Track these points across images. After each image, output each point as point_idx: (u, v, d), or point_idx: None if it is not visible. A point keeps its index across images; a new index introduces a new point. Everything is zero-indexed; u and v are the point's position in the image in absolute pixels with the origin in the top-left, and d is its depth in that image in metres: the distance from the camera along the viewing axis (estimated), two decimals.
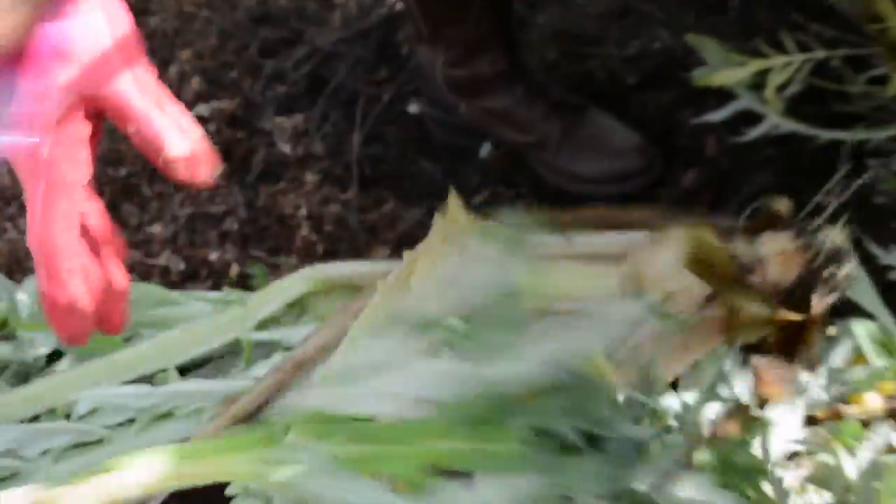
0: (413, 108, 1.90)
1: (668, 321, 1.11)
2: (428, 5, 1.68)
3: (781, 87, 1.52)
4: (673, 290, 1.13)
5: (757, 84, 1.55)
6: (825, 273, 1.17)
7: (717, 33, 1.75)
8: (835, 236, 1.17)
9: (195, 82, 2.04)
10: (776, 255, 1.15)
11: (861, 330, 1.40)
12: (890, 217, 1.62)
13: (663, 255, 1.15)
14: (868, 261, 1.51)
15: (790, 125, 1.54)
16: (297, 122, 1.94)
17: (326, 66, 2.02)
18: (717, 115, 1.73)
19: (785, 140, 1.54)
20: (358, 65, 2.00)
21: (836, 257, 1.18)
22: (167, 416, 1.26)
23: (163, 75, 2.00)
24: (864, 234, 1.53)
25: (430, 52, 1.74)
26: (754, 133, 1.59)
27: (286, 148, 1.91)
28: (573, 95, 1.77)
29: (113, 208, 1.88)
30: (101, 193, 0.93)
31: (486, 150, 1.81)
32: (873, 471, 1.09)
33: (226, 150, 1.91)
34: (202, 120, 1.94)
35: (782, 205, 1.20)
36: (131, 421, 1.27)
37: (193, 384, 1.28)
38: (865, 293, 1.42)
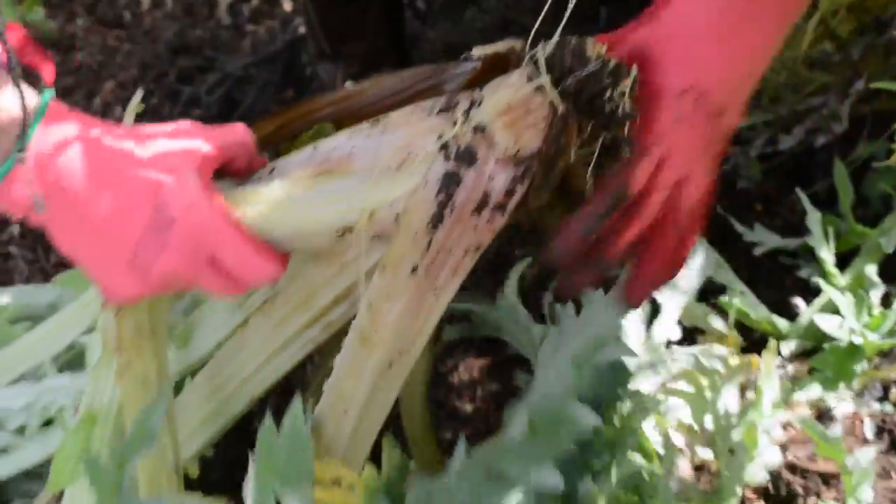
0: None
1: None
2: (329, 23, 1.64)
3: None
4: None
5: None
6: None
7: None
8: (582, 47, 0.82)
9: (118, 111, 1.95)
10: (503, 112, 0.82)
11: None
12: (753, 199, 1.58)
13: None
14: (733, 240, 1.50)
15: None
16: None
17: (238, 89, 1.94)
18: None
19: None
20: (266, 87, 1.93)
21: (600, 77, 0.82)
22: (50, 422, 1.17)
23: (88, 107, 1.90)
24: (730, 215, 1.51)
25: (331, 68, 1.70)
26: None
27: None
28: None
29: None
30: None
31: None
32: None
33: None
34: None
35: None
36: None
37: (67, 378, 1.18)
38: (727, 274, 1.37)
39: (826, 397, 1.27)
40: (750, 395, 1.25)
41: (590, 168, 0.85)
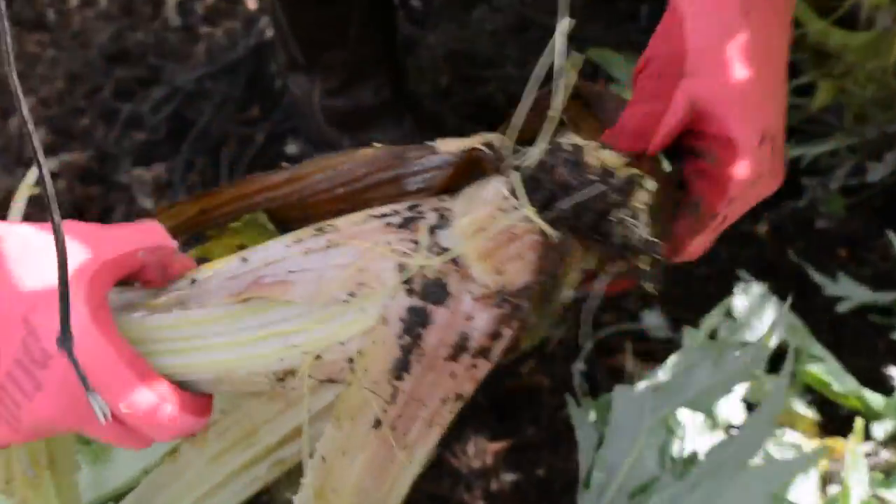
0: (291, 148, 1.84)
1: None
2: (302, 27, 1.64)
3: None
4: None
5: None
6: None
7: (630, 44, 1.71)
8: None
9: (40, 134, 1.94)
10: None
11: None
12: (836, 243, 1.58)
13: None
14: (811, 294, 1.50)
15: None
16: (159, 172, 1.85)
17: (190, 106, 1.95)
18: None
19: None
20: (225, 103, 1.93)
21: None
22: None
23: (1, 130, 1.90)
24: (807, 262, 1.51)
25: (305, 81, 1.70)
26: None
27: (147, 203, 1.82)
28: (470, 125, 1.71)
29: None
30: None
31: None
32: None
33: (79, 209, 1.82)
34: (51, 176, 1.82)
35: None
36: None
37: None
38: (804, 336, 1.37)
39: None
40: (833, 489, 1.25)
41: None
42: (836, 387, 1.35)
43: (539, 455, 1.41)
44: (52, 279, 0.77)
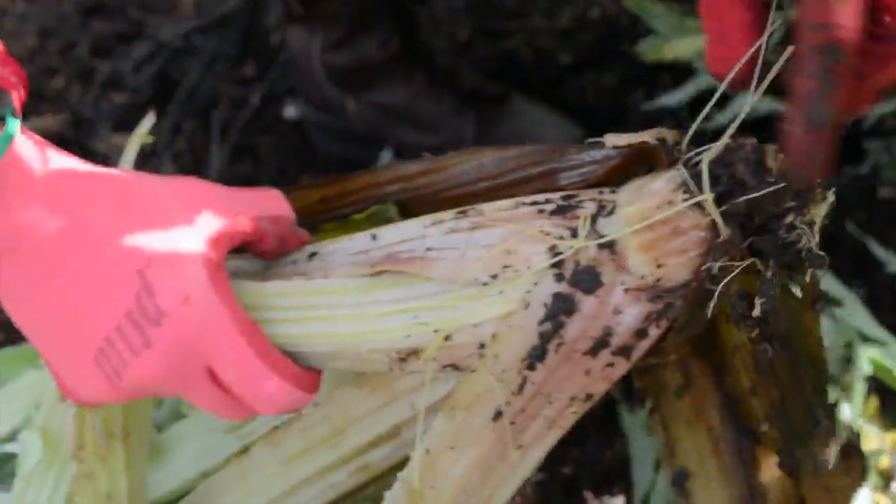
0: (290, 111, 1.88)
1: None
2: None
3: None
4: None
5: None
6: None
7: None
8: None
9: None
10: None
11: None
12: None
13: None
14: (873, 270, 1.54)
15: (768, 103, 1.53)
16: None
17: (176, 64, 1.98)
18: (675, 97, 1.72)
19: (763, 123, 1.52)
20: (216, 61, 1.96)
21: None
22: None
23: None
24: (868, 235, 1.56)
25: (304, 34, 1.71)
26: (723, 117, 1.57)
27: None
28: (491, 82, 1.75)
29: None
30: None
31: (385, 159, 1.78)
32: None
33: None
34: None
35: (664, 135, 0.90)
36: None
37: None
38: (863, 315, 1.40)
39: None
40: None
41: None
42: None
43: (565, 452, 1.46)
44: (174, 234, 0.84)
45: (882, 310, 1.47)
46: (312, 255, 0.94)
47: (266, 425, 1.03)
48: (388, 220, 0.98)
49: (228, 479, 1.02)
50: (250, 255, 0.95)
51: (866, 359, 1.38)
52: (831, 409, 0.89)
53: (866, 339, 1.42)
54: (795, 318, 0.89)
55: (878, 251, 1.53)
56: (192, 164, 1.85)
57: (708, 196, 0.81)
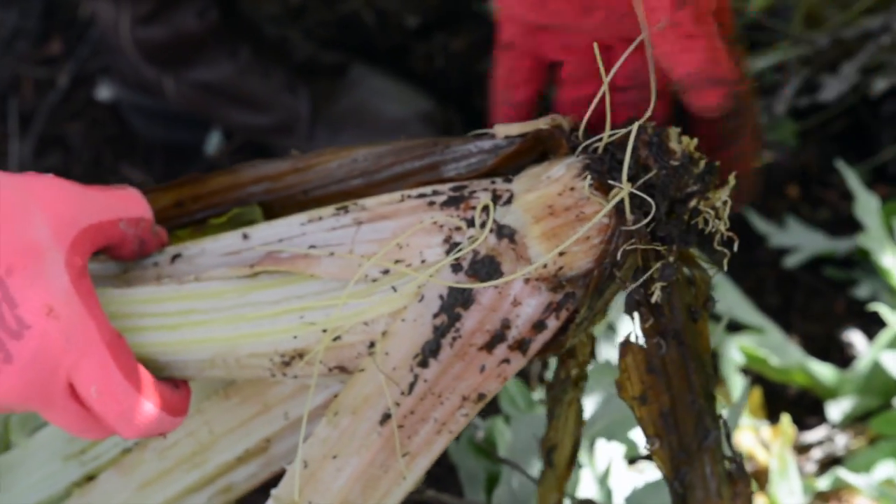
0: (103, 93, 1.83)
1: None
2: None
3: None
4: None
5: None
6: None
7: None
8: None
9: None
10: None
11: None
12: (782, 179, 1.59)
13: None
14: (753, 244, 1.48)
15: None
16: None
17: None
18: None
19: None
20: (17, 39, 1.91)
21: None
22: None
23: None
24: (747, 206, 1.50)
25: (111, 7, 1.65)
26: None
27: None
28: (327, 52, 1.72)
29: None
30: None
31: (213, 143, 1.76)
32: None
33: None
34: None
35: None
36: None
37: None
38: (737, 296, 1.38)
39: None
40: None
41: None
42: (775, 361, 1.35)
43: None
44: (32, 237, 0.83)
45: (763, 290, 1.45)
46: (176, 256, 0.95)
47: (114, 448, 1.02)
48: (250, 223, 0.98)
49: None
50: (104, 257, 0.95)
51: (736, 348, 1.35)
52: (719, 418, 0.92)
53: (738, 326, 1.40)
54: (688, 315, 0.91)
55: (759, 223, 1.49)
56: None
57: (624, 184, 0.84)
